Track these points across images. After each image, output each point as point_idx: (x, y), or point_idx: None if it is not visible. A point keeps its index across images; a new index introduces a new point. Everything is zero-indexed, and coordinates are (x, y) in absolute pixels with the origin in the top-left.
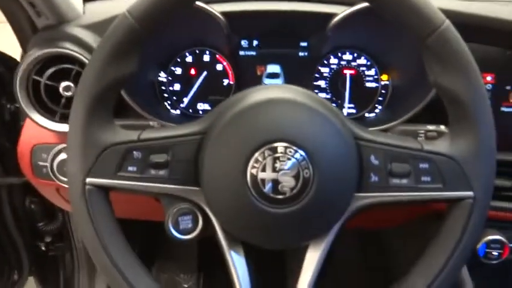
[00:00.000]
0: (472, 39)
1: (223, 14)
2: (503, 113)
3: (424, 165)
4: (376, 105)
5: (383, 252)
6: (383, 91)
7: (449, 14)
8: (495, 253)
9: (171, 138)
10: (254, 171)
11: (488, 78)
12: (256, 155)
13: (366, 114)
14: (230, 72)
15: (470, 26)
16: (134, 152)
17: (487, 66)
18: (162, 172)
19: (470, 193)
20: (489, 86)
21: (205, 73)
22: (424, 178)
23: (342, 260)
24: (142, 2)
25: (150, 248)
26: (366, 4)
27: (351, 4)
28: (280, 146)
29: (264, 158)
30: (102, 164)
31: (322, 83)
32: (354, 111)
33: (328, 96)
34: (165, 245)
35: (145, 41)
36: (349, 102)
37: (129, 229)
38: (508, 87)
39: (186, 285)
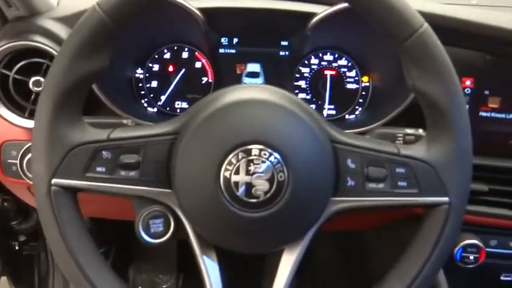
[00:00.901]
0: (451, 43)
1: (201, 10)
2: (482, 118)
3: (400, 170)
4: (357, 107)
5: (363, 253)
6: (363, 93)
7: (428, 16)
8: (471, 257)
9: (142, 138)
10: (227, 173)
11: (467, 82)
12: (230, 157)
13: (346, 116)
14: (209, 70)
15: (449, 30)
16: (103, 152)
17: (466, 71)
18: (132, 173)
19: (445, 199)
20: (468, 91)
21: (183, 70)
22: (400, 183)
23: (322, 261)
24: None
25: (127, 248)
26: (345, 4)
27: (331, 4)
28: (255, 148)
29: (238, 161)
30: (69, 164)
31: (302, 83)
32: (334, 112)
33: (308, 97)
34: (143, 245)
35: (117, 35)
36: (330, 104)
37: (105, 229)
38: (486, 92)
39: (165, 286)
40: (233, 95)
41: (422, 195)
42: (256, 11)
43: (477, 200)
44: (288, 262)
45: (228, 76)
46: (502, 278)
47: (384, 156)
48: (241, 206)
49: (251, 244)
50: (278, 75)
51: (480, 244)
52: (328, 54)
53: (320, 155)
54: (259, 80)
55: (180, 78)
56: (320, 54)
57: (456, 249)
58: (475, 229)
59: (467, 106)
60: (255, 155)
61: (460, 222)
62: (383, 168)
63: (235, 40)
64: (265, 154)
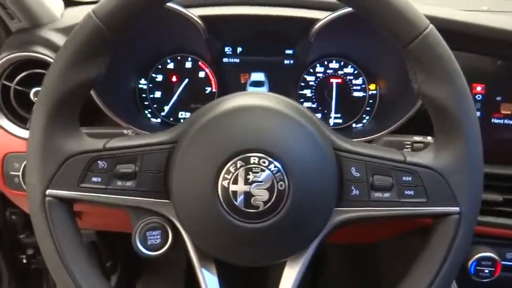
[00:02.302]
0: (462, 48)
1: (202, 18)
2: (494, 125)
3: (407, 178)
4: (364, 116)
5: (376, 265)
6: (370, 101)
7: (436, 20)
8: (486, 271)
9: (139, 148)
10: (225, 183)
11: (479, 88)
12: (228, 165)
13: (353, 125)
14: (213, 80)
15: (460, 35)
16: (99, 162)
17: (477, 77)
18: (129, 183)
19: (455, 208)
20: (479, 97)
21: (187, 80)
22: (407, 192)
23: (334, 273)
24: (109, 1)
25: (134, 262)
26: (348, 9)
27: (334, 9)
28: (254, 156)
29: (236, 169)
30: (64, 175)
31: (307, 92)
32: (340, 121)
33: (314, 106)
34: (151, 259)
35: (114, 42)
36: (336, 112)
37: (111, 242)
38: (498, 98)
39: None
40: (232, 101)
41: (430, 205)
42: (257, 18)
43: (491, 211)
44: (290, 275)
45: (232, 85)
46: None
47: (390, 164)
48: (240, 216)
49: (251, 256)
50: (283, 83)
51: (496, 257)
52: (334, 62)
53: (322, 163)
54: (264, 88)
55: (183, 88)
56: (325, 62)
57: (470, 262)
58: (490, 241)
59: (479, 113)
60: (254, 164)
61: (471, 233)
62: (389, 177)
63: (239, 49)
64: (264, 162)
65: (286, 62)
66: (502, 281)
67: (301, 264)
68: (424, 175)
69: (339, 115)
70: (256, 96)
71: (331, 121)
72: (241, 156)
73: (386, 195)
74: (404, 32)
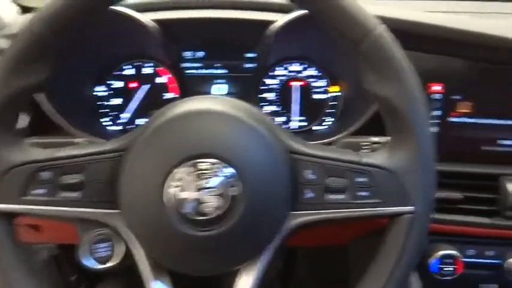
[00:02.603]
0: (417, 48)
1: (157, 22)
2: (453, 124)
3: (361, 179)
4: (327, 118)
5: (346, 267)
6: (333, 103)
7: (388, 21)
8: (449, 268)
9: (85, 157)
10: (173, 190)
11: (437, 88)
12: (176, 171)
13: (316, 127)
14: (174, 85)
15: (413, 35)
16: (43, 173)
17: (435, 76)
18: (75, 194)
19: (409, 208)
20: (438, 96)
21: (147, 86)
22: (361, 193)
23: (304, 275)
24: (50, 5)
25: (100, 275)
26: (304, 11)
27: (288, 11)
28: (204, 161)
29: (185, 176)
30: (5, 187)
31: (270, 95)
32: (304, 123)
33: (277, 109)
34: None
35: (59, 47)
36: (299, 115)
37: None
38: (456, 97)
39: None
40: (182, 106)
41: (385, 205)
42: (213, 22)
43: (452, 209)
44: (245, 282)
45: (194, 90)
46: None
47: (344, 165)
48: (191, 224)
49: (204, 265)
50: (244, 87)
51: (457, 254)
52: (296, 64)
53: (276, 167)
54: (225, 92)
55: (143, 95)
56: (287, 65)
57: (432, 260)
58: (452, 239)
59: (438, 112)
60: (204, 169)
61: (425, 232)
62: (344, 178)
63: (198, 54)
64: (215, 167)
65: (247, 65)
66: (466, 278)
67: (257, 270)
68: (378, 175)
69: (302, 118)
70: (207, 100)
71: (296, 124)
72: (190, 162)
73: (341, 197)
74: (353, 32)
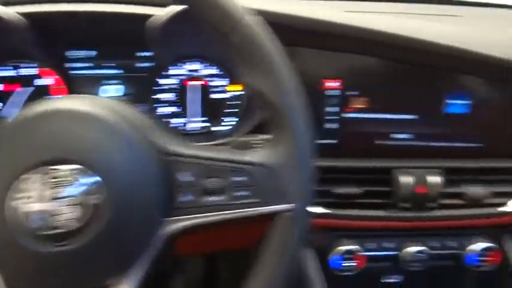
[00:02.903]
0: (310, 44)
1: (24, 16)
2: (350, 119)
3: (240, 179)
4: (229, 118)
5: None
6: (236, 102)
7: (274, 16)
8: (350, 264)
9: None
10: (16, 202)
11: (334, 84)
12: (21, 181)
13: (217, 128)
14: (63, 87)
15: (304, 31)
16: None
17: (332, 72)
18: None
19: (287, 205)
20: (335, 92)
21: (30, 89)
22: (240, 193)
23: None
24: None
25: None
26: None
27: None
28: (59, 167)
29: (35, 184)
30: None
31: (167, 96)
32: (205, 124)
33: (175, 110)
34: None
35: None
36: (201, 116)
37: None
38: (352, 93)
39: None
40: (38, 107)
41: (264, 205)
42: (88, 16)
43: (350, 204)
44: None
45: (82, 92)
46: (382, 281)
47: (222, 164)
48: (42, 240)
49: (63, 284)
50: (139, 88)
51: (357, 249)
52: (194, 63)
53: (146, 170)
54: (117, 93)
55: (27, 97)
56: (184, 64)
57: (333, 257)
58: (352, 234)
59: (335, 108)
60: (59, 176)
61: (306, 229)
62: (221, 178)
63: (86, 52)
64: (73, 173)
65: (141, 65)
66: (368, 272)
67: (128, 286)
68: (257, 174)
69: (203, 119)
70: (70, 99)
71: (196, 125)
72: (41, 169)
73: (219, 198)
74: (223, 25)
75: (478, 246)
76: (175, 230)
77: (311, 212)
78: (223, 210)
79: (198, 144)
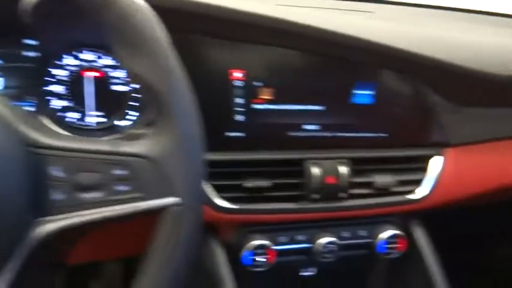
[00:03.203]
0: (214, 34)
1: None
2: (256, 110)
3: (120, 172)
4: (129, 111)
5: None
6: (137, 95)
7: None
8: (261, 259)
9: None
10: None
11: (238, 74)
12: None
13: (119, 122)
14: None
15: (204, 17)
16: None
17: (236, 63)
18: None
19: (174, 199)
20: (239, 83)
21: None
22: (120, 188)
23: None
24: None
25: None
26: None
27: None
28: None
29: None
30: None
31: (58, 88)
32: (104, 119)
33: (69, 104)
34: None
35: None
36: (97, 110)
37: None
38: (257, 84)
39: None
40: None
41: (147, 199)
42: None
43: (261, 197)
44: None
45: None
46: (301, 274)
47: (97, 157)
48: None
49: None
50: (26, 80)
51: (268, 244)
52: (89, 53)
53: (9, 166)
54: (1, 87)
55: None
56: (82, 53)
57: (244, 253)
58: (263, 228)
59: (241, 100)
60: None
61: (198, 223)
62: (98, 173)
63: None
64: None
65: (26, 54)
66: (282, 266)
67: None
68: (138, 166)
69: (100, 113)
70: None
71: (92, 120)
72: None
73: (96, 194)
74: (101, 5)
75: (386, 234)
76: (51, 230)
77: (202, 206)
78: (102, 207)
79: (73, 135)
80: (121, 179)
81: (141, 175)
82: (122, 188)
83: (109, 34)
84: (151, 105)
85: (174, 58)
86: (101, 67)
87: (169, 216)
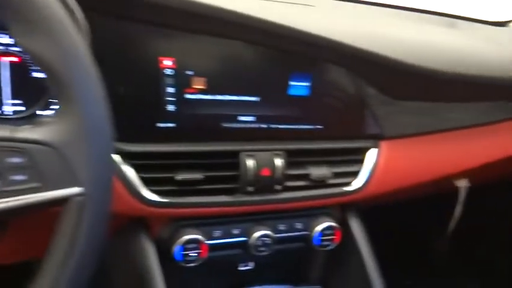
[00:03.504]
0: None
1: None
2: (189, 101)
3: (15, 160)
4: (53, 100)
5: None
6: None
7: None
8: (193, 254)
9: None
10: None
11: (168, 62)
12: None
13: (41, 112)
14: None
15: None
16: None
17: (165, 50)
18: None
19: (77, 189)
20: (170, 71)
21: None
22: (16, 177)
23: None
24: None
25: None
26: None
27: None
28: None
29: None
30: None
31: None
32: (22, 108)
33: None
34: None
35: None
36: (14, 98)
37: None
38: (189, 72)
39: None
40: None
41: (46, 190)
42: None
43: (194, 191)
44: None
45: None
46: (239, 268)
47: None
48: None
49: None
50: None
51: (201, 238)
52: (5, 36)
53: None
54: None
55: None
56: None
57: (176, 248)
58: (197, 222)
59: (172, 89)
60: None
61: (104, 215)
62: None
63: None
64: None
65: None
66: (216, 261)
67: None
68: (37, 153)
69: (18, 101)
70: None
71: (9, 109)
72: None
73: None
74: None
75: (321, 226)
76: None
77: (109, 196)
78: None
79: None
80: (18, 168)
81: (41, 163)
82: (18, 177)
83: (4, 9)
84: (53, 87)
85: (78, 38)
86: (20, 52)
87: (72, 208)
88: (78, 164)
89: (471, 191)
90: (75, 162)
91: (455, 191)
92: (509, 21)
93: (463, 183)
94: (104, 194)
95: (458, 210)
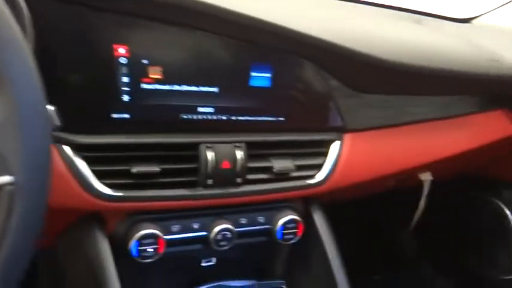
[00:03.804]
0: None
1: None
2: (145, 91)
3: None
4: None
5: None
6: None
7: None
8: (150, 249)
9: None
10: None
11: (122, 50)
12: None
13: None
14: None
15: None
16: None
17: (118, 37)
18: None
19: (8, 178)
20: (124, 60)
21: None
22: None
23: None
24: None
25: None
26: None
27: None
28: None
29: None
30: None
31: None
32: None
33: None
34: None
35: None
36: None
37: None
38: (144, 61)
39: None
40: None
41: None
42: None
43: (150, 184)
44: None
45: None
46: (203, 264)
47: None
48: None
49: None
50: None
51: (158, 233)
52: None
53: None
54: None
55: None
56: None
57: (132, 243)
58: (154, 217)
59: (127, 78)
60: None
61: (38, 207)
62: None
63: None
64: None
65: None
66: (175, 256)
67: None
68: None
69: None
70: None
71: None
72: None
73: None
74: None
75: (284, 219)
76: None
77: (45, 186)
78: None
79: None
80: None
81: None
82: None
83: None
84: None
85: (12, 22)
86: None
87: (2, 198)
88: (10, 151)
89: (435, 186)
90: (6, 149)
91: (420, 185)
92: (473, 18)
93: (426, 177)
94: (39, 184)
95: (422, 203)
